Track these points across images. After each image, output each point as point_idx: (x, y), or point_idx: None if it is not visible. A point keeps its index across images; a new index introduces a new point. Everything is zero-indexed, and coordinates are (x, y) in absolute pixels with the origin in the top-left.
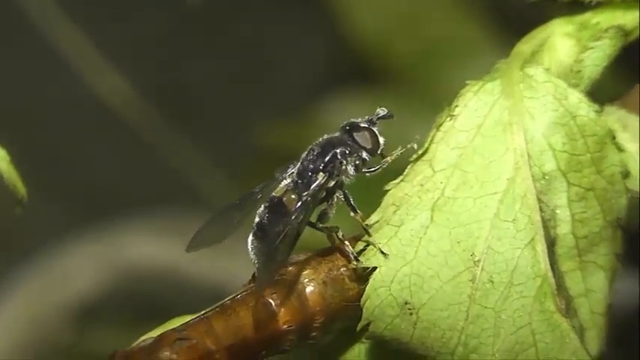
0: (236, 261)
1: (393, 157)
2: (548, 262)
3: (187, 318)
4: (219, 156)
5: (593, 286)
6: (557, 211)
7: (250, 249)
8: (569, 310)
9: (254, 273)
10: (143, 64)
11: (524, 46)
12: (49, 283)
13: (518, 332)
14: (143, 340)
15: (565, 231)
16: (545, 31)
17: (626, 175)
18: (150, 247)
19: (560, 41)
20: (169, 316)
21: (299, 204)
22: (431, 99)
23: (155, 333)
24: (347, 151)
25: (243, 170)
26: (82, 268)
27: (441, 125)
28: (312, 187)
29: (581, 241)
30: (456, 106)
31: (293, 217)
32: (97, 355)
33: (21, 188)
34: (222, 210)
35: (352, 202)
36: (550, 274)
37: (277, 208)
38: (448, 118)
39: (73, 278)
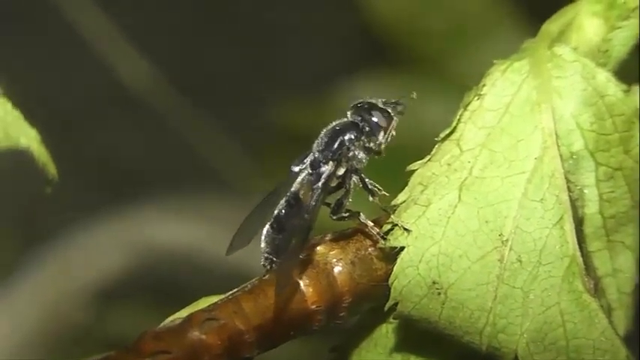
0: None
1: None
2: (576, 242)
3: (215, 299)
4: (241, 137)
5: (620, 266)
6: (585, 191)
7: (263, 238)
8: (597, 290)
9: (263, 258)
10: (167, 49)
11: (552, 25)
12: (72, 263)
13: (547, 312)
14: (172, 321)
15: (593, 211)
16: (573, 10)
17: None
18: (171, 228)
19: (588, 20)
20: (190, 296)
21: (311, 197)
22: (453, 80)
23: (183, 314)
24: (354, 137)
25: (264, 150)
26: (104, 248)
27: (468, 104)
28: (322, 177)
29: (609, 220)
30: (484, 85)
31: (307, 214)
32: (117, 335)
33: (52, 168)
34: (253, 211)
35: (370, 185)
36: (578, 253)
37: (294, 201)
38: (476, 98)
39: (95, 259)
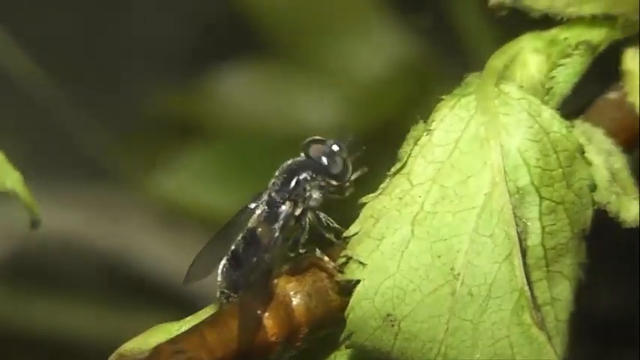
0: (129, 226)
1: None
2: (524, 277)
3: (171, 326)
4: (112, 123)
5: (558, 295)
6: (529, 224)
7: (220, 272)
8: (543, 322)
9: (219, 291)
10: (33, 31)
11: (497, 61)
12: None
13: (497, 344)
14: (130, 349)
15: (535, 242)
16: (516, 47)
17: (593, 188)
18: (47, 214)
19: (531, 57)
20: (67, 282)
21: (270, 237)
22: (324, 71)
23: (142, 339)
24: (309, 177)
25: (136, 136)
26: None
27: (418, 139)
28: (280, 218)
29: (550, 252)
30: (433, 120)
31: (266, 252)
32: None
33: (36, 210)
34: (208, 244)
35: (326, 222)
36: (526, 287)
37: (251, 239)
38: (425, 133)
39: None
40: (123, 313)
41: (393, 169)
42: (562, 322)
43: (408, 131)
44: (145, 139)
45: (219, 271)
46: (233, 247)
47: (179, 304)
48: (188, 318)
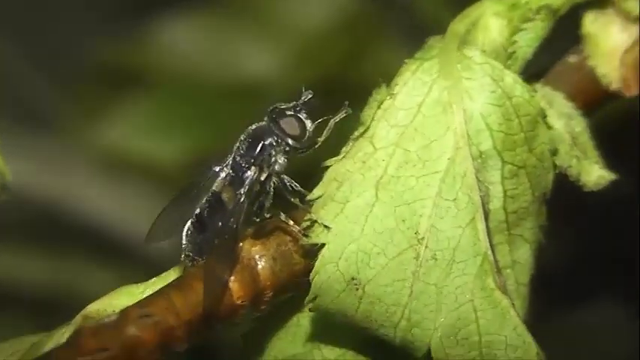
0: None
1: (322, 139)
2: (488, 241)
3: (134, 288)
4: (55, 74)
5: (519, 258)
6: (491, 188)
7: (185, 235)
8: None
9: (183, 254)
10: None
11: (459, 25)
12: None
13: (460, 308)
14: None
15: (497, 206)
16: (478, 10)
17: (554, 152)
18: None
19: (493, 21)
20: (10, 232)
21: (235, 202)
22: (268, 23)
23: (103, 302)
24: (274, 142)
25: (81, 88)
26: None
27: (381, 103)
28: (246, 183)
29: (511, 215)
30: (396, 84)
31: (231, 217)
32: None
33: (7, 175)
34: (170, 204)
35: (290, 186)
36: (490, 252)
37: (216, 202)
38: (388, 97)
39: None
40: (68, 261)
41: (356, 133)
42: (522, 285)
43: (350, 84)
44: (88, 89)
45: (184, 234)
46: (198, 211)
47: (124, 253)
48: (152, 280)
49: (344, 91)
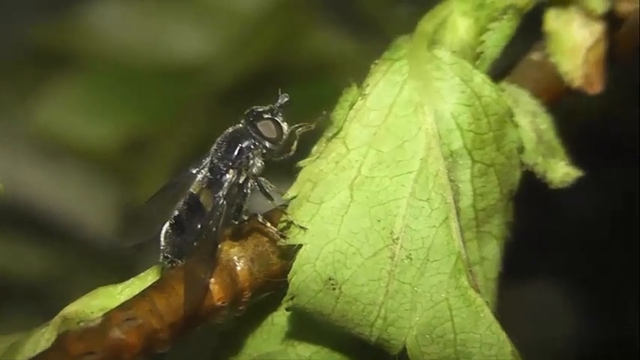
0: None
1: (294, 147)
2: (461, 240)
3: (112, 289)
4: None
5: (487, 254)
6: (460, 186)
7: (163, 238)
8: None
9: (162, 255)
10: None
11: (427, 24)
12: None
13: (436, 307)
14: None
15: (467, 204)
16: (446, 10)
17: (521, 150)
18: None
19: (460, 20)
20: None
21: (215, 205)
22: (197, 5)
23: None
24: (252, 145)
25: (12, 71)
26: None
27: (353, 104)
28: (224, 186)
29: (480, 213)
30: (367, 85)
31: (210, 220)
32: None
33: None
34: (147, 204)
35: (267, 188)
36: (463, 251)
37: (194, 204)
38: (360, 97)
39: None
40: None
41: (329, 134)
42: (491, 281)
43: (285, 68)
44: (21, 71)
45: (162, 235)
46: (176, 213)
47: (56, 232)
48: (130, 280)
49: (279, 75)
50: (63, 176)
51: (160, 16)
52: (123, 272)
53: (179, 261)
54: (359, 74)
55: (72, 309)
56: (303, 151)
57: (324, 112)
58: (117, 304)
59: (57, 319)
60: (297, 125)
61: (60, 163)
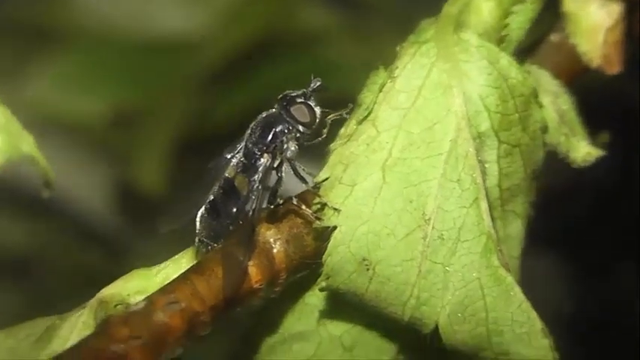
0: None
1: (325, 132)
2: (490, 220)
3: (147, 271)
4: None
5: (511, 233)
6: (487, 166)
7: (199, 221)
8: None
9: (197, 239)
10: None
11: (452, 7)
12: None
13: (468, 286)
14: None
15: (493, 184)
16: None
17: (545, 130)
18: None
19: (484, 3)
20: None
21: (250, 189)
22: None
23: (117, 286)
24: (286, 129)
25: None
26: None
27: (382, 86)
28: (259, 170)
29: (505, 192)
30: (396, 67)
31: (247, 204)
32: None
33: (51, 173)
34: (184, 192)
35: (301, 172)
36: (492, 231)
37: (230, 189)
38: (389, 80)
39: None
40: None
41: (360, 117)
42: (514, 259)
43: (276, 43)
44: (6, 46)
45: (198, 220)
46: (211, 197)
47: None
48: (165, 263)
49: (268, 49)
50: (51, 152)
51: None
52: (112, 248)
53: (214, 244)
54: (345, 47)
55: (108, 292)
56: (332, 134)
57: (350, 105)
58: (153, 286)
59: (93, 301)
60: (328, 111)
61: (48, 139)
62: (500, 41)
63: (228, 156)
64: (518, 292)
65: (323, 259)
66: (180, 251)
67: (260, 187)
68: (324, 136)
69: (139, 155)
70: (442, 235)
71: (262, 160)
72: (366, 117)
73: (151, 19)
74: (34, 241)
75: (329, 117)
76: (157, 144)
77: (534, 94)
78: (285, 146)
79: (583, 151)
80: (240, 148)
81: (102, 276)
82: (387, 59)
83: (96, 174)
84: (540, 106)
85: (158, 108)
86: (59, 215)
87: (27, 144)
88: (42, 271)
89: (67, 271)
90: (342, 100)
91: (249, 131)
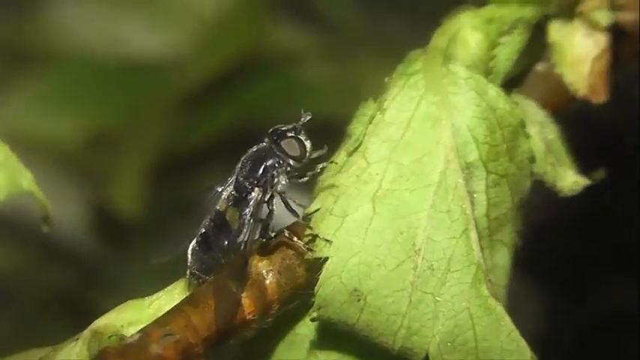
0: None
1: (322, 166)
2: (480, 250)
3: (140, 302)
4: None
5: (499, 262)
6: (475, 196)
7: (190, 254)
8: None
9: (189, 271)
10: None
11: (440, 39)
12: None
13: (457, 316)
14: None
15: (481, 214)
16: (456, 25)
17: (532, 160)
18: None
19: (471, 35)
20: None
21: (242, 223)
22: (162, 5)
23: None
24: (276, 163)
25: None
26: None
27: (372, 118)
28: (250, 204)
29: (493, 222)
30: (385, 99)
31: (238, 237)
32: None
33: (49, 208)
34: (176, 224)
35: (292, 205)
36: (482, 261)
37: (221, 222)
38: (378, 112)
39: None
40: None
41: (350, 148)
42: (502, 288)
43: (248, 65)
44: None
45: (189, 252)
46: (203, 230)
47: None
48: (157, 294)
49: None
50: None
51: (122, 15)
52: (88, 269)
53: (206, 277)
54: (320, 69)
55: (101, 322)
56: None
57: (325, 147)
58: (146, 317)
59: (86, 333)
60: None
61: (25, 161)
62: (488, 72)
63: (219, 189)
64: (507, 322)
65: (315, 290)
66: (167, 279)
67: (251, 220)
68: (312, 176)
69: (115, 177)
70: (432, 265)
71: (253, 193)
72: (357, 148)
73: (127, 41)
74: (9, 264)
75: (312, 155)
76: (134, 166)
77: (522, 125)
78: (276, 180)
79: (570, 180)
80: (231, 182)
81: (79, 299)
82: (362, 81)
83: (72, 196)
84: (527, 136)
85: (135, 130)
86: (34, 237)
87: (26, 180)
88: (17, 292)
89: (42, 294)
90: (317, 122)
91: (239, 165)
